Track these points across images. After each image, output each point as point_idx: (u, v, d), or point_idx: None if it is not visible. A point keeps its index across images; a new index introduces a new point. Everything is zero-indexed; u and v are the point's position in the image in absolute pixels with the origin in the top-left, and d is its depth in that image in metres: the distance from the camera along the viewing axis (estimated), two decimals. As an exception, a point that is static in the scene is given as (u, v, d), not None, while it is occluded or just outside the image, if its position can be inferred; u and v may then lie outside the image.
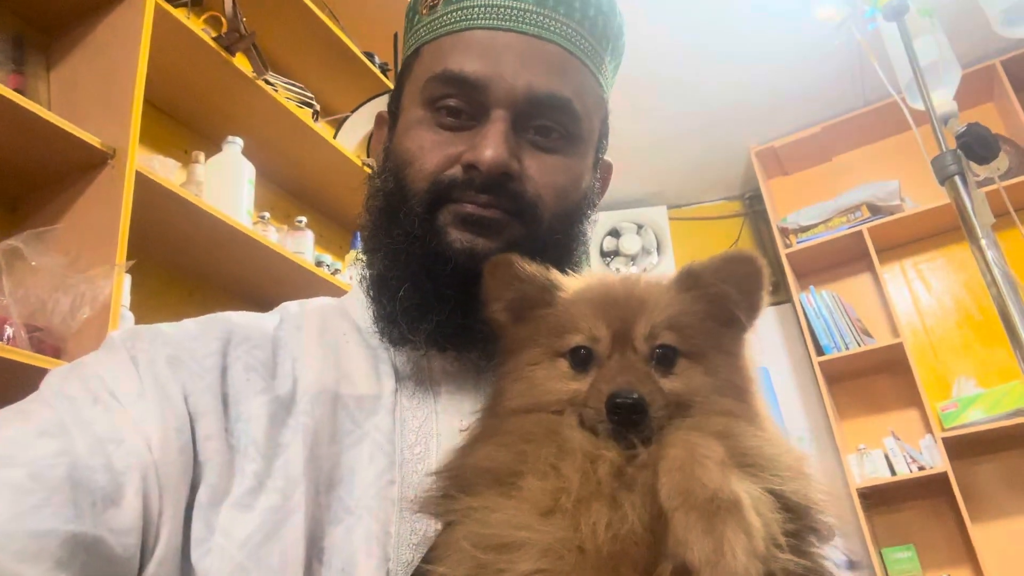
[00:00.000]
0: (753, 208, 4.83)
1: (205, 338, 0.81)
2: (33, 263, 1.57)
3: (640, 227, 4.73)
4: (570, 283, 0.71)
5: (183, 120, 2.46)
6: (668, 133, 4.32)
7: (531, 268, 0.71)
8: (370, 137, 2.86)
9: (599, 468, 0.57)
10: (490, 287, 0.74)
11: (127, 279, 1.84)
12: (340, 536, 0.72)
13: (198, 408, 0.74)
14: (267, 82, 2.42)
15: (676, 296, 0.69)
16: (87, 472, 0.63)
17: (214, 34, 2.26)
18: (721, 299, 0.70)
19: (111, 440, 0.67)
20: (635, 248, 4.67)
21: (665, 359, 0.65)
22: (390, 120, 0.97)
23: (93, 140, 1.79)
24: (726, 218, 4.86)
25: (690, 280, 0.70)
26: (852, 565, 0.67)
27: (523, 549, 0.54)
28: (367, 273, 0.91)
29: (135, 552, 0.64)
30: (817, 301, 4.16)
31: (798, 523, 0.57)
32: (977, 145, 1.67)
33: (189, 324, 0.84)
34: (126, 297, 1.82)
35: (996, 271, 1.56)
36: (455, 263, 0.82)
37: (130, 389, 0.72)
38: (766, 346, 4.51)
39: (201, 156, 2.29)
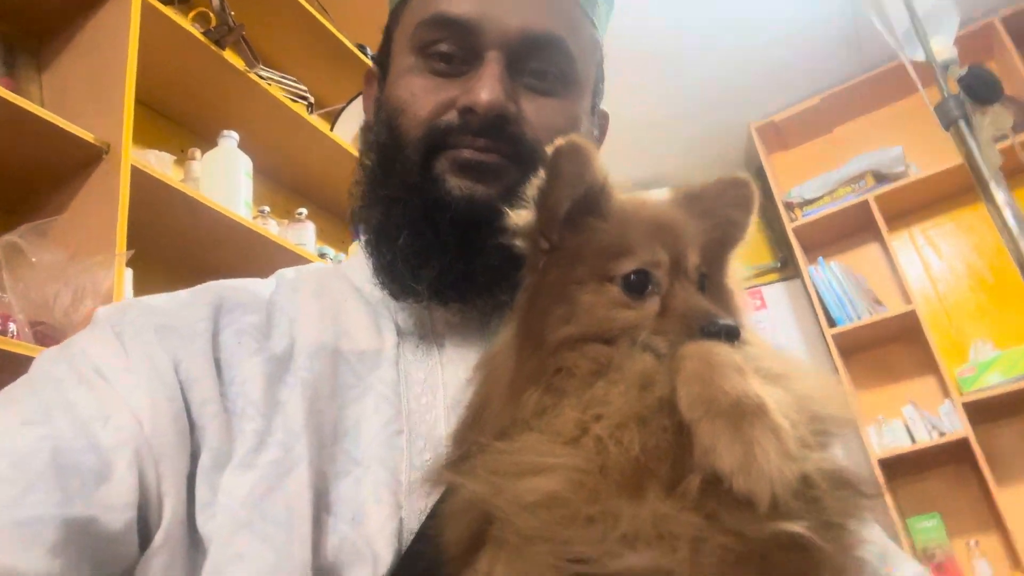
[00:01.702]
0: (757, 184, 4.79)
1: (195, 305, 0.80)
2: (33, 258, 1.56)
3: (645, 210, 4.70)
4: (621, 195, 0.66)
5: (178, 119, 2.45)
6: (665, 113, 4.29)
7: (601, 162, 0.63)
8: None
9: (652, 392, 0.54)
10: (566, 173, 0.63)
11: (129, 274, 1.82)
12: (348, 488, 0.71)
13: (191, 374, 0.72)
14: (260, 76, 2.41)
15: (698, 221, 0.67)
16: (72, 455, 0.62)
17: (203, 29, 2.25)
18: (726, 223, 0.69)
19: (96, 419, 0.66)
20: (640, 232, 4.63)
21: (702, 286, 0.64)
22: (379, 72, 0.95)
23: (87, 135, 1.78)
24: (730, 197, 4.82)
25: (698, 204, 0.68)
26: None
27: (542, 473, 0.51)
28: (364, 228, 0.90)
29: (133, 526, 0.63)
30: (826, 273, 4.12)
31: (822, 427, 0.54)
32: (979, 86, 1.64)
33: (181, 293, 0.83)
34: (129, 291, 1.81)
35: (1007, 213, 1.53)
36: (454, 211, 0.80)
37: (116, 363, 0.71)
38: (777, 322, 4.48)
39: (197, 153, 2.29)
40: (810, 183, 4.31)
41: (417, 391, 0.80)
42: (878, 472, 3.69)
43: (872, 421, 3.89)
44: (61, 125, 1.74)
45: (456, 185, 0.81)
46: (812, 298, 4.17)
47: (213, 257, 2.18)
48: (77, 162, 1.82)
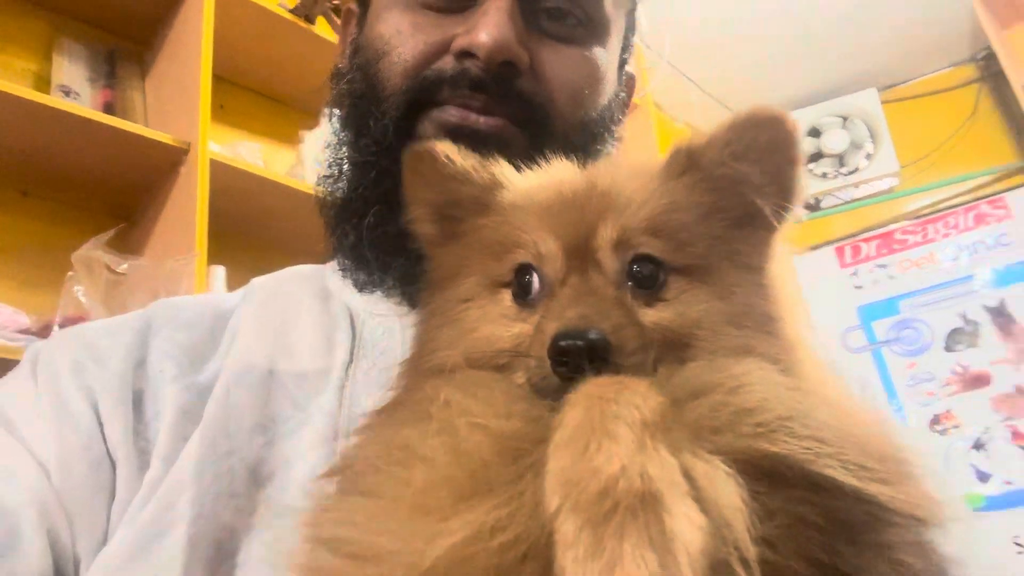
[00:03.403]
0: (989, 69, 3.94)
1: (121, 331, 0.71)
2: (109, 267, 1.59)
3: (845, 119, 4.07)
4: (520, 180, 0.54)
5: (288, 102, 2.43)
6: (860, 1, 3.62)
7: (466, 161, 0.54)
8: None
9: (521, 461, 0.39)
10: (410, 186, 0.56)
11: (221, 272, 1.83)
12: (267, 545, 0.59)
13: (104, 413, 0.64)
14: (361, 44, 2.31)
15: (662, 186, 0.49)
16: None
17: (291, 5, 2.19)
18: (734, 185, 0.50)
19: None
20: (842, 146, 4.02)
21: (647, 278, 0.47)
22: (360, 9, 0.79)
23: (165, 138, 1.79)
24: (956, 89, 4.02)
25: (684, 161, 0.50)
26: None
27: (373, 562, 0.37)
28: (327, 202, 0.77)
29: None
30: (1088, 168, 3.31)
31: (855, 508, 0.37)
32: None
33: (120, 317, 0.75)
34: (221, 290, 1.81)
35: None
36: None
37: (26, 411, 0.64)
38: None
39: (306, 135, 2.25)
40: (1059, 58, 3.46)
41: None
42: None
43: None
44: (139, 132, 1.77)
45: None
46: (1071, 203, 3.38)
47: (315, 245, 2.14)
48: (163, 165, 1.84)
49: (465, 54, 0.66)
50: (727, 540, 0.33)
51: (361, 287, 0.73)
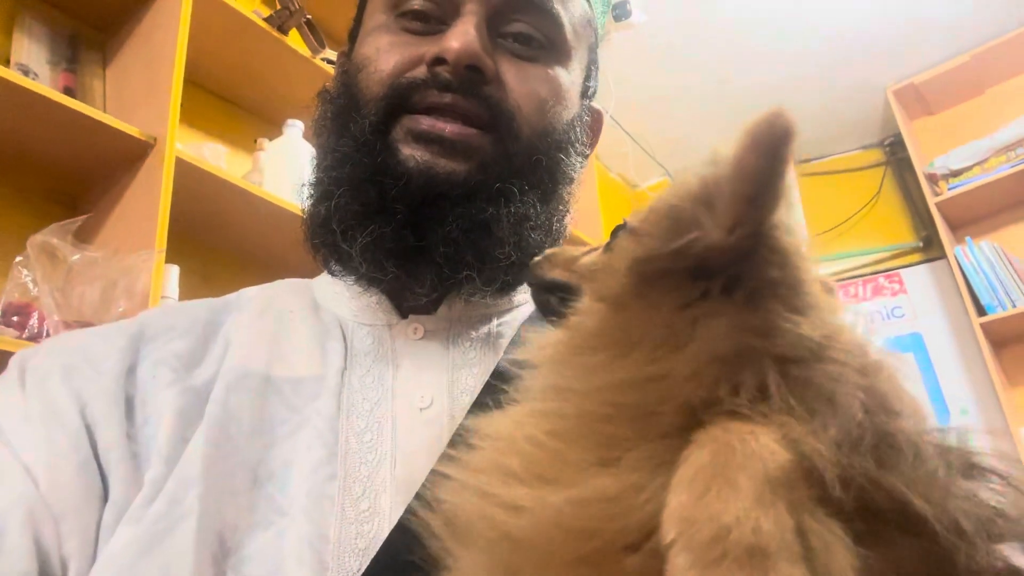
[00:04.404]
0: (895, 155, 4.30)
1: (113, 337, 0.71)
2: (66, 256, 1.54)
3: (764, 187, 4.33)
4: None
5: (248, 108, 2.41)
6: (786, 79, 3.90)
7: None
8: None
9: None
10: None
11: (174, 271, 1.79)
12: (268, 542, 0.60)
13: (95, 417, 0.64)
14: (329, 61, 2.32)
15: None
16: None
17: (266, 14, 2.19)
18: None
19: None
20: (760, 210, 4.27)
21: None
22: (349, 45, 0.85)
23: (132, 130, 1.75)
24: (864, 169, 4.35)
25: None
26: None
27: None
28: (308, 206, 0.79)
29: None
30: (975, 254, 3.63)
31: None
32: None
33: (112, 324, 0.76)
34: (174, 289, 1.77)
35: None
36: (408, 180, 0.69)
37: (13, 415, 0.64)
38: (918, 310, 4.02)
39: (265, 143, 2.24)
40: (957, 152, 3.80)
41: (360, 426, 0.68)
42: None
43: (1027, 424, 3.41)
44: (107, 122, 1.72)
45: (411, 155, 0.70)
46: (959, 283, 3.70)
47: (270, 253, 2.12)
48: (125, 157, 1.79)
49: (436, 61, 0.72)
50: None
51: (330, 268, 0.77)
